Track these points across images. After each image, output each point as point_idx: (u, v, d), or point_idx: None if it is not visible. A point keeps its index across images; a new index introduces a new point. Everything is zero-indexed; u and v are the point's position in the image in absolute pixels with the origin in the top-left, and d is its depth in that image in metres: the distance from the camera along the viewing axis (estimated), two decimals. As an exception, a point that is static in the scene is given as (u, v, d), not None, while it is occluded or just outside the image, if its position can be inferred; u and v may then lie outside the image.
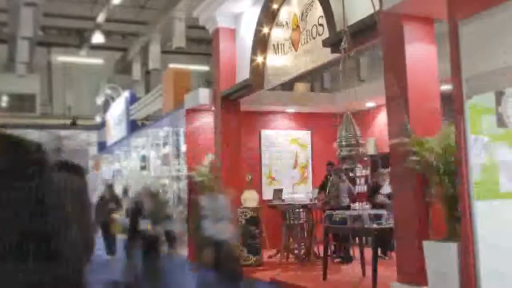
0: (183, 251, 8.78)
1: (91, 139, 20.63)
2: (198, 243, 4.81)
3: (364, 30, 4.99)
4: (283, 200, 7.83)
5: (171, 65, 14.31)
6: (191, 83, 10.77)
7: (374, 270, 5.10)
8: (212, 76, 9.29)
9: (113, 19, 14.61)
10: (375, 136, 9.32)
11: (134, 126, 14.27)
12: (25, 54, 14.97)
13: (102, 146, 18.80)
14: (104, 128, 18.25)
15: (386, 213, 5.36)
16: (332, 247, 7.25)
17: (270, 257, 7.64)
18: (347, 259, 7.06)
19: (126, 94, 15.35)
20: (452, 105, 3.54)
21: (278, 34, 7.07)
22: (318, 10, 6.02)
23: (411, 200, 4.33)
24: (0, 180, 1.12)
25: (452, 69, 3.51)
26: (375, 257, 5.21)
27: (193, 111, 9.30)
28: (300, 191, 8.73)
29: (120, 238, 8.54)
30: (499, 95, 3.35)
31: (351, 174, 9.78)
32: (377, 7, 4.64)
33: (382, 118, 8.83)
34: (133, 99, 14.87)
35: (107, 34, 15.44)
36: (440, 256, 3.88)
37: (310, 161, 9.91)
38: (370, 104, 9.16)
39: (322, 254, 6.38)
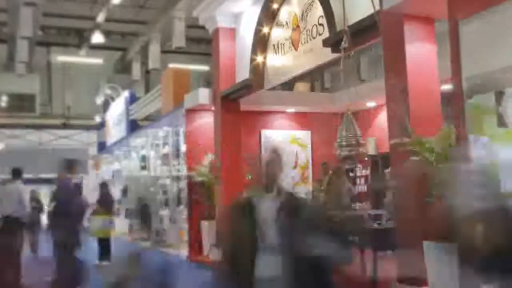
0: (184, 251, 8.78)
1: (91, 139, 20.64)
2: None
3: (364, 29, 4.98)
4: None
5: (171, 65, 14.31)
6: (190, 83, 10.78)
7: (374, 271, 5.10)
8: (212, 76, 9.28)
9: (113, 18, 14.61)
10: (376, 136, 9.31)
11: (134, 126, 14.27)
12: (24, 54, 14.95)
13: (101, 146, 18.80)
14: (104, 128, 18.24)
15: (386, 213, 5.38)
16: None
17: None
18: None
19: (125, 94, 15.35)
20: (453, 105, 3.53)
21: (278, 34, 7.06)
22: (318, 10, 6.02)
23: (411, 200, 4.32)
24: None
25: (453, 68, 3.50)
26: (375, 257, 5.20)
27: (193, 111, 9.30)
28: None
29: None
30: (500, 95, 3.34)
31: (351, 174, 9.77)
32: (377, 7, 4.63)
33: (382, 118, 8.82)
34: (132, 99, 14.87)
35: (107, 34, 15.44)
36: (440, 257, 3.87)
37: (310, 161, 9.90)
38: (370, 104, 9.15)
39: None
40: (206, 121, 9.10)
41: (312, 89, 14.00)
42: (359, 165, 9.55)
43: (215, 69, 8.63)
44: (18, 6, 12.62)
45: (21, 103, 19.12)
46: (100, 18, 13.57)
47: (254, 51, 7.42)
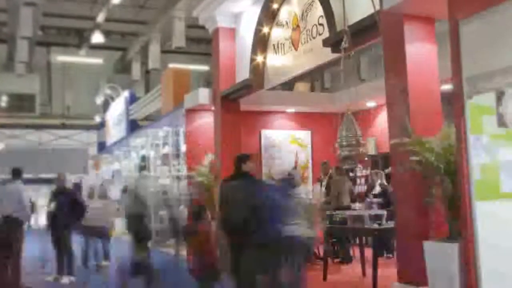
0: (184, 252, 8.76)
1: (91, 139, 20.64)
2: None
3: (365, 29, 4.98)
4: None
5: (171, 65, 14.32)
6: (190, 83, 10.78)
7: (374, 270, 5.09)
8: (212, 76, 9.28)
9: (113, 18, 14.61)
10: (376, 136, 9.31)
11: (133, 126, 14.27)
12: (24, 54, 14.95)
13: (101, 146, 18.80)
14: (104, 128, 18.24)
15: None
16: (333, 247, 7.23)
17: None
18: (347, 259, 7.05)
19: (125, 94, 15.35)
20: (453, 105, 3.53)
21: (278, 34, 7.06)
22: (318, 10, 6.02)
23: (412, 200, 4.32)
24: None
25: (453, 68, 3.50)
26: (375, 257, 5.20)
27: (192, 111, 9.30)
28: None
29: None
30: (500, 95, 3.34)
31: (351, 174, 9.78)
32: (378, 7, 4.63)
33: (382, 118, 8.82)
34: (132, 99, 14.87)
35: (107, 33, 15.43)
36: (440, 256, 3.87)
37: (310, 161, 9.90)
38: (370, 104, 9.15)
39: (322, 254, 6.37)
40: (206, 121, 9.10)
41: (312, 89, 14.00)
42: (359, 165, 9.55)
43: (215, 69, 8.63)
44: (18, 6, 12.61)
45: (21, 103, 19.13)
46: (100, 18, 13.56)
47: (254, 51, 7.42)
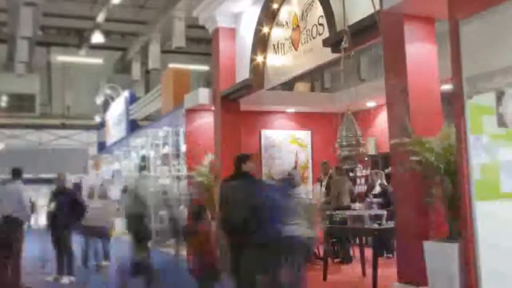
0: (184, 252, 8.76)
1: (91, 139, 20.64)
2: None
3: (365, 29, 4.98)
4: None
5: (171, 65, 14.32)
6: (190, 83, 10.78)
7: (374, 270, 5.09)
8: (212, 76, 9.28)
9: (113, 18, 14.61)
10: (376, 136, 9.31)
11: (133, 126, 14.27)
12: (24, 53, 14.95)
13: (101, 146, 18.80)
14: (104, 128, 18.24)
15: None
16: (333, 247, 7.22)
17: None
18: (347, 259, 7.05)
19: (125, 94, 15.35)
20: (453, 105, 3.53)
21: (278, 34, 7.06)
22: (318, 10, 6.02)
23: (412, 200, 4.32)
24: None
25: (453, 68, 3.50)
26: (375, 257, 5.20)
27: (192, 111, 9.30)
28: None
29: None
30: (500, 95, 3.34)
31: (351, 174, 9.77)
32: (378, 7, 4.63)
33: (382, 118, 8.82)
34: (132, 99, 14.87)
35: (107, 33, 15.43)
36: (440, 256, 3.87)
37: (310, 161, 9.90)
38: (370, 104, 9.15)
39: (322, 254, 6.37)
40: (206, 121, 9.10)
41: (312, 89, 14.00)
42: (359, 165, 9.55)
43: (215, 69, 8.63)
44: (18, 6, 12.61)
45: (21, 103, 19.13)
46: (100, 18, 13.56)
47: (254, 51, 7.42)
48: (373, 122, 9.40)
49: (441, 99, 4.50)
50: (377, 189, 7.41)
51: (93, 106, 19.12)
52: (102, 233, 7.60)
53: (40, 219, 14.24)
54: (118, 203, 13.38)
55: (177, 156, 10.49)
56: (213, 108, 8.71)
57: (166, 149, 11.07)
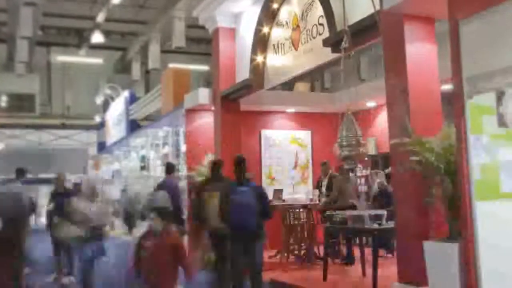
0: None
1: (91, 139, 20.64)
2: None
3: (365, 29, 4.98)
4: (283, 200, 7.82)
5: (171, 65, 14.32)
6: (190, 83, 10.78)
7: (375, 270, 5.09)
8: (212, 76, 9.28)
9: (113, 18, 14.61)
10: (376, 136, 9.31)
11: (133, 126, 14.27)
12: (24, 53, 14.95)
13: (101, 146, 18.79)
14: (104, 128, 18.23)
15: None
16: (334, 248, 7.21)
17: (270, 257, 7.63)
18: (350, 261, 7.00)
19: (125, 94, 15.35)
20: (453, 105, 3.53)
21: (278, 34, 7.06)
22: (319, 10, 6.02)
23: (412, 200, 4.32)
24: None
25: (453, 68, 3.50)
26: (375, 257, 5.20)
27: (192, 111, 9.30)
28: (300, 191, 8.72)
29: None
30: (500, 95, 3.34)
31: (351, 174, 9.77)
32: (378, 7, 4.63)
33: (382, 118, 8.82)
34: (132, 99, 14.86)
35: (107, 33, 15.44)
36: (440, 256, 3.87)
37: (310, 161, 9.90)
38: (370, 104, 9.15)
39: (322, 255, 6.37)
40: (206, 121, 9.10)
41: (312, 89, 14.00)
42: (359, 165, 9.54)
43: (215, 69, 8.63)
44: (18, 6, 12.61)
45: (20, 103, 19.12)
46: (100, 18, 13.56)
47: (254, 51, 7.42)
48: (373, 122, 9.40)
49: (441, 99, 4.50)
50: (375, 188, 7.41)
51: (93, 106, 19.12)
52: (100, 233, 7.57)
53: (40, 219, 14.23)
54: (118, 203, 13.38)
55: (177, 156, 10.49)
56: (213, 108, 8.71)
57: (166, 149, 11.07)
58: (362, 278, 6.01)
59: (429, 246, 3.99)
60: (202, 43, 16.98)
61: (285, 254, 7.44)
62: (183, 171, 9.90)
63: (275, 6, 7.01)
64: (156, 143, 11.82)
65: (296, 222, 7.53)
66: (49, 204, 6.85)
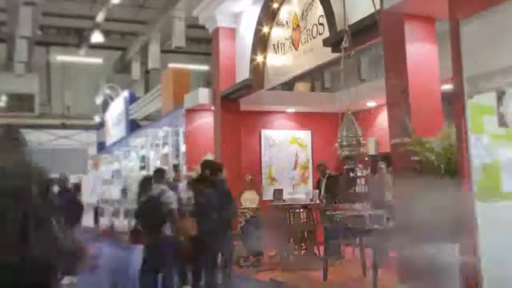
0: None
1: (90, 139, 20.62)
2: None
3: (365, 29, 4.98)
4: (283, 201, 7.82)
5: (171, 65, 14.31)
6: (190, 83, 10.77)
7: (375, 271, 5.09)
8: (212, 76, 9.28)
9: (112, 18, 14.59)
10: (376, 136, 9.30)
11: (133, 126, 14.26)
12: (23, 53, 14.93)
13: (101, 146, 18.78)
14: (103, 128, 18.22)
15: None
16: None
17: (270, 257, 7.63)
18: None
19: (125, 93, 15.33)
20: (453, 105, 3.52)
21: (278, 34, 7.05)
22: (319, 9, 6.01)
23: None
24: None
25: (453, 68, 3.49)
26: (375, 257, 5.19)
27: (192, 111, 9.29)
28: (300, 191, 8.72)
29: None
30: (501, 95, 3.33)
31: (351, 174, 9.76)
32: (378, 6, 4.63)
33: (383, 118, 8.82)
34: (132, 99, 14.85)
35: (106, 33, 15.42)
36: (441, 257, 3.87)
37: (310, 161, 9.89)
38: (371, 104, 9.15)
39: (322, 255, 6.37)
40: (206, 121, 9.09)
41: (312, 89, 13.99)
42: (360, 165, 9.53)
43: (215, 69, 8.62)
44: (17, 6, 12.60)
45: (20, 103, 19.09)
46: (100, 17, 13.55)
47: (254, 51, 7.42)
48: (374, 122, 9.39)
49: (441, 99, 4.50)
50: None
51: (93, 106, 19.10)
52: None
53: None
54: (118, 203, 13.37)
55: (177, 156, 10.48)
56: (213, 108, 8.71)
57: (166, 149, 11.05)
58: (363, 278, 6.00)
59: (429, 246, 3.98)
60: (202, 43, 16.96)
61: (285, 254, 7.43)
62: (183, 171, 9.88)
63: (275, 5, 7.01)
64: (156, 143, 11.80)
65: (296, 222, 7.52)
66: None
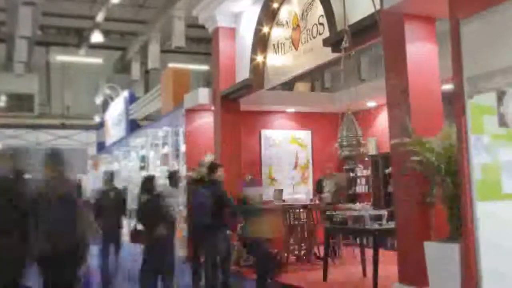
0: (182, 251, 8.77)
1: (90, 139, 20.62)
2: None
3: (365, 29, 4.97)
4: (283, 201, 7.81)
5: (171, 65, 14.30)
6: (190, 83, 10.76)
7: (375, 271, 5.09)
8: (212, 76, 9.27)
9: (112, 18, 14.58)
10: (376, 136, 9.30)
11: (133, 126, 14.25)
12: (23, 53, 14.93)
13: (101, 146, 18.77)
14: (103, 128, 18.21)
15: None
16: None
17: (270, 257, 7.63)
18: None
19: (125, 93, 15.32)
20: (453, 105, 3.52)
21: (278, 33, 7.05)
22: (319, 9, 6.01)
23: (412, 200, 4.31)
24: None
25: (453, 68, 3.49)
26: (375, 257, 5.19)
27: (192, 111, 9.28)
28: (300, 191, 8.72)
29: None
30: (501, 95, 3.33)
31: (351, 174, 9.77)
32: (378, 6, 4.63)
33: (383, 118, 8.82)
34: (132, 99, 14.84)
35: (106, 33, 15.41)
36: (441, 257, 3.87)
37: (310, 161, 9.89)
38: (371, 104, 9.15)
39: (322, 255, 6.36)
40: (206, 121, 9.09)
41: (312, 89, 13.99)
42: (360, 165, 9.54)
43: (215, 69, 8.62)
44: (17, 6, 12.59)
45: (19, 103, 19.08)
46: (100, 17, 13.54)
47: (254, 51, 7.41)
48: (374, 122, 9.39)
49: (441, 99, 4.50)
50: None
51: (93, 106, 19.09)
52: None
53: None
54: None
55: (177, 156, 10.47)
56: (213, 108, 8.70)
57: (166, 149, 11.05)
58: (363, 278, 6.00)
59: (429, 246, 3.99)
60: (202, 43, 16.95)
61: (285, 254, 7.43)
62: (183, 171, 9.88)
63: (275, 5, 7.01)
64: (156, 143, 11.80)
65: (296, 222, 7.52)
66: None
